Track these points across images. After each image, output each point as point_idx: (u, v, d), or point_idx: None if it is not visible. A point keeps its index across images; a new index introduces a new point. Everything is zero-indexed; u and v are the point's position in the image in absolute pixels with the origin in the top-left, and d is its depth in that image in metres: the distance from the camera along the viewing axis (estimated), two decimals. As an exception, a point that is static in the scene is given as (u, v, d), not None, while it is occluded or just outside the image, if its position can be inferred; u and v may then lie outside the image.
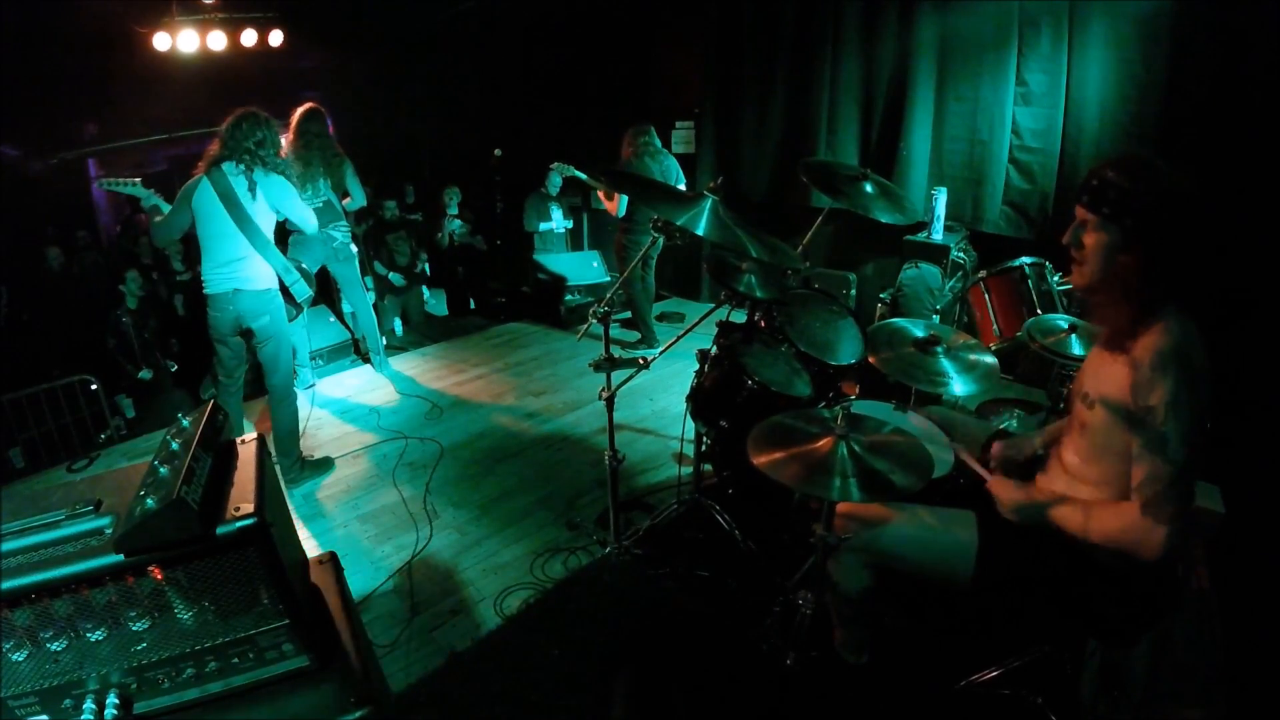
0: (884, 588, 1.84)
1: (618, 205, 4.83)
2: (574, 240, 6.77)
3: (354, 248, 4.62)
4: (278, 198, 3.17)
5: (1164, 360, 1.42)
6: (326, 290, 5.37)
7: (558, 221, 6.16)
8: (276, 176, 3.15)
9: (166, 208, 3.10)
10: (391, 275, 5.88)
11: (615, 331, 5.26)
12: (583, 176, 5.10)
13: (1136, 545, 1.46)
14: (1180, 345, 1.42)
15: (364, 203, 4.59)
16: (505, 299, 6.28)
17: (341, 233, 4.44)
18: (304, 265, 3.53)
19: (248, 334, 3.23)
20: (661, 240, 2.45)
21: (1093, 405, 1.57)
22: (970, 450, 1.91)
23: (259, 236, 3.10)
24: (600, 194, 5.13)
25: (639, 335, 5.16)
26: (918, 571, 1.77)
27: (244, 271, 3.11)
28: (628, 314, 5.28)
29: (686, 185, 4.91)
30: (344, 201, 4.46)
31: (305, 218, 3.38)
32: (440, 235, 6.25)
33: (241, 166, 3.04)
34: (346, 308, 5.18)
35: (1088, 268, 1.54)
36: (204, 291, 3.15)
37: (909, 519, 1.75)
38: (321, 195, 4.29)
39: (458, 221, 6.38)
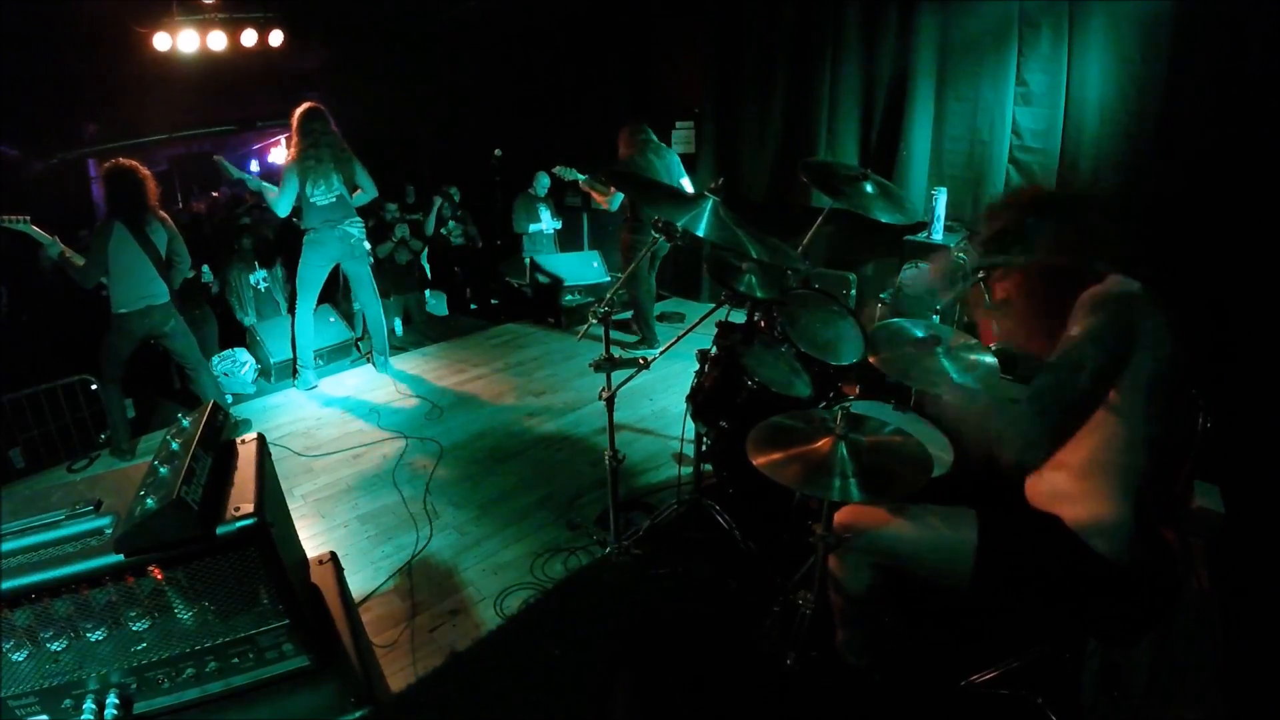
0: (888, 588, 1.84)
1: (610, 200, 4.83)
2: (572, 241, 6.78)
3: (367, 245, 4.62)
4: None
5: (1093, 300, 1.51)
6: (330, 290, 5.37)
7: (546, 222, 6.18)
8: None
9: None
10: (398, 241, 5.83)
11: (615, 332, 5.25)
12: (583, 179, 5.08)
13: (1000, 439, 1.58)
14: (1116, 294, 1.51)
15: (375, 194, 4.57)
16: (504, 299, 6.28)
17: (357, 229, 4.44)
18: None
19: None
20: (658, 239, 2.45)
21: None
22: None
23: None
24: (594, 194, 5.13)
25: (639, 335, 5.16)
26: (920, 570, 1.76)
27: None
28: (627, 314, 5.29)
29: (690, 178, 4.90)
30: (354, 195, 4.46)
31: None
32: (428, 222, 6.23)
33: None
34: (356, 306, 5.17)
35: (1018, 305, 1.66)
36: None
37: (911, 518, 1.75)
38: (335, 190, 4.29)
39: (452, 222, 6.38)
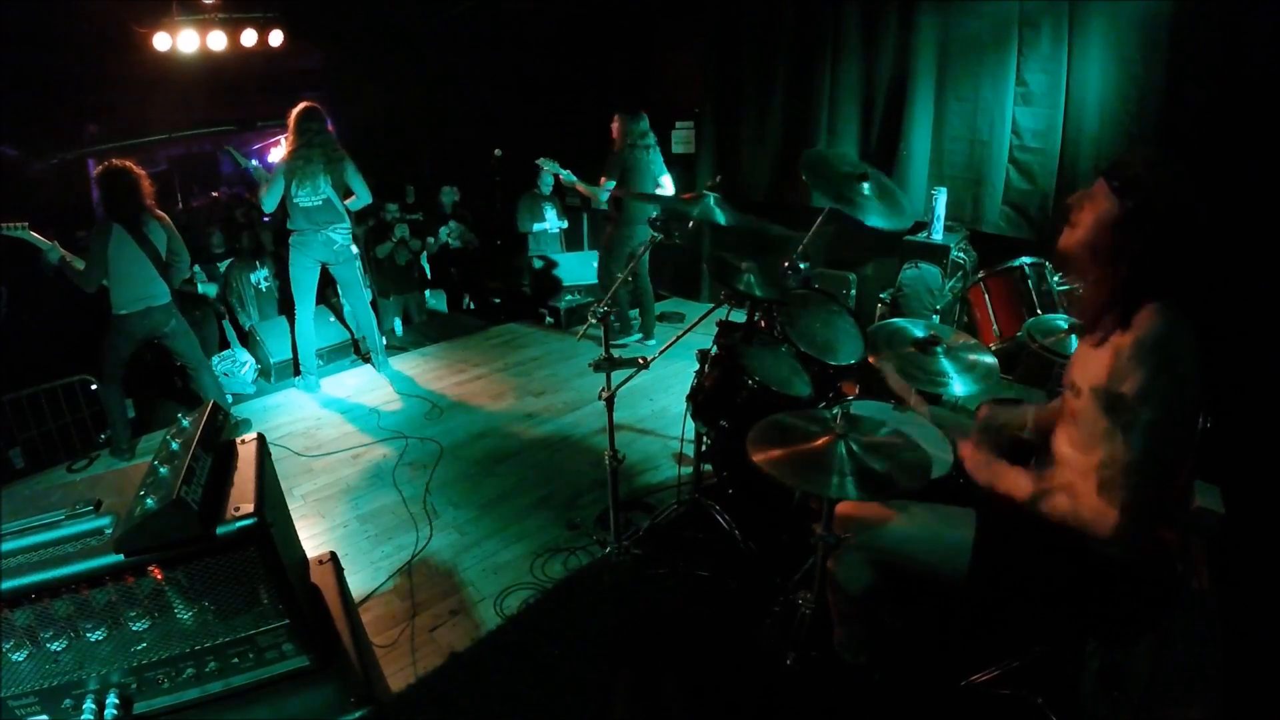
0: (887, 587, 1.84)
1: (597, 193, 4.82)
2: (573, 240, 6.77)
3: (354, 249, 4.62)
4: None
5: (1141, 350, 1.43)
6: (328, 290, 5.37)
7: (551, 222, 6.15)
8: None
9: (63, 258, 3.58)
10: (398, 230, 5.81)
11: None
12: (565, 173, 5.04)
13: (1086, 525, 1.47)
14: (1161, 338, 1.43)
15: (369, 199, 4.56)
16: (503, 299, 6.28)
17: (341, 235, 4.43)
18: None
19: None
20: (657, 237, 2.45)
21: (1079, 394, 1.57)
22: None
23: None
24: (578, 188, 5.10)
25: (640, 335, 5.16)
26: (917, 568, 1.77)
27: None
28: (632, 311, 5.28)
29: (673, 180, 4.88)
30: (348, 200, 4.45)
31: None
32: (432, 241, 6.24)
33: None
34: (346, 308, 5.18)
35: (1078, 232, 1.56)
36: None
37: (910, 517, 1.75)
38: (321, 193, 4.27)
39: (452, 222, 6.38)
